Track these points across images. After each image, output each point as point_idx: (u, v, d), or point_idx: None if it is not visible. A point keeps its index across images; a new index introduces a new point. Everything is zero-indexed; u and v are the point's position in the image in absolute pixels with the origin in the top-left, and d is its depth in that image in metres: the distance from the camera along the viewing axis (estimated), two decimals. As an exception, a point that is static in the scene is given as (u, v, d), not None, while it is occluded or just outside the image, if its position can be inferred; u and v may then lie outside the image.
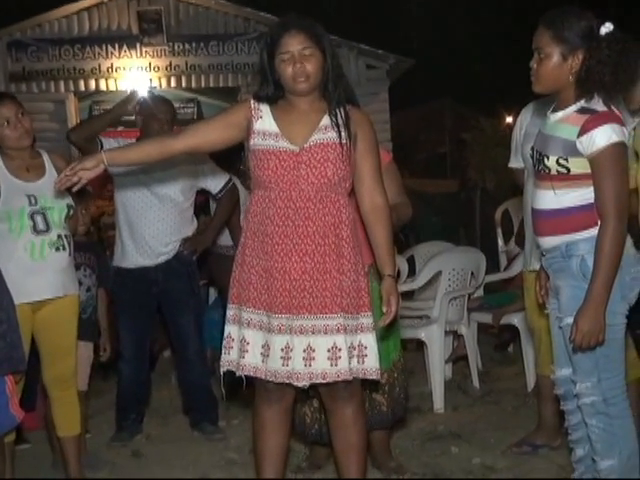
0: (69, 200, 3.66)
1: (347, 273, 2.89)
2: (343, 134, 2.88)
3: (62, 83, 10.08)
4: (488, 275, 5.70)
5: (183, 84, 10.40)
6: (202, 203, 5.29)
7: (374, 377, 2.95)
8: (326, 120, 2.90)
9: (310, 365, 2.84)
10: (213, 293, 6.45)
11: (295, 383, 2.87)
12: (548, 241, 2.92)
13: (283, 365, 2.85)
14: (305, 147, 2.84)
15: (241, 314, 2.92)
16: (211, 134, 2.96)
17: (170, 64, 10.19)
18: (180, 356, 4.71)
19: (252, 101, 2.95)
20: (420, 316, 5.25)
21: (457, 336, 5.51)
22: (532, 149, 2.97)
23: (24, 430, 4.45)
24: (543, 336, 3.73)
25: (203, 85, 10.48)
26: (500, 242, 6.90)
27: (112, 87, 10.12)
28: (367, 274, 3.09)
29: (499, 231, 6.96)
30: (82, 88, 10.16)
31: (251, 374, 2.91)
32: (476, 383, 5.36)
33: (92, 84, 10.14)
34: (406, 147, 15.99)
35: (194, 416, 4.71)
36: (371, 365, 2.93)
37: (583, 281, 2.78)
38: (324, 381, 2.87)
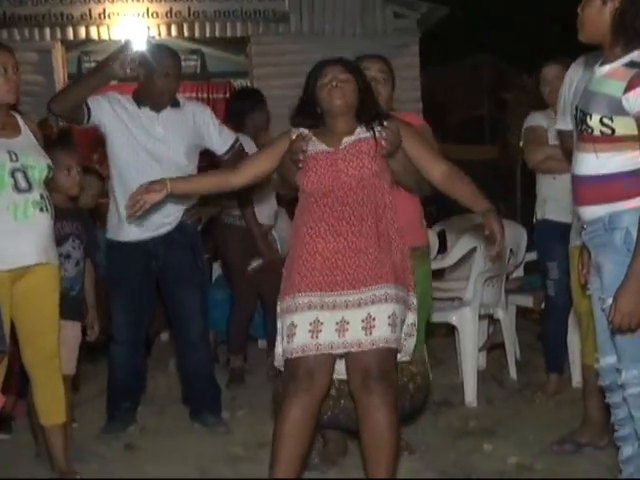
0: (49, 161, 3.75)
1: (395, 252, 3.35)
2: (376, 130, 3.40)
3: (48, 30, 10.10)
4: (529, 252, 5.69)
5: (185, 33, 10.40)
6: (205, 168, 5.31)
7: (407, 358, 3.45)
8: (360, 129, 3.45)
9: (370, 334, 3.22)
10: (217, 269, 6.49)
11: (355, 350, 3.21)
12: (589, 211, 2.96)
13: (339, 337, 3.22)
14: (340, 148, 3.38)
15: (294, 302, 3.27)
16: (265, 164, 3.55)
17: (170, 10, 10.20)
18: (181, 339, 4.72)
19: (293, 129, 3.51)
20: (452, 298, 5.28)
21: (493, 321, 5.54)
22: (576, 108, 3.00)
23: (12, 418, 4.53)
24: (589, 320, 3.75)
25: (208, 35, 10.49)
26: (543, 215, 6.86)
27: (104, 36, 10.16)
28: (411, 256, 3.49)
29: (543, 203, 6.91)
30: (70, 36, 10.20)
31: (299, 354, 3.21)
32: (513, 374, 5.41)
33: (82, 32, 10.16)
34: (438, 108, 15.96)
35: (194, 406, 4.75)
36: (410, 347, 3.43)
37: (627, 257, 2.80)
38: (386, 346, 3.21)
